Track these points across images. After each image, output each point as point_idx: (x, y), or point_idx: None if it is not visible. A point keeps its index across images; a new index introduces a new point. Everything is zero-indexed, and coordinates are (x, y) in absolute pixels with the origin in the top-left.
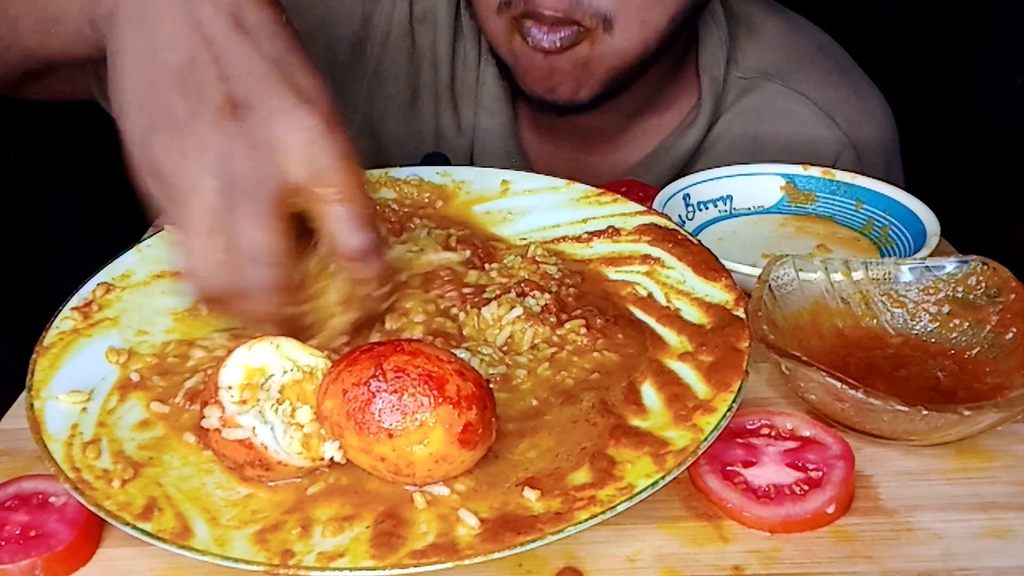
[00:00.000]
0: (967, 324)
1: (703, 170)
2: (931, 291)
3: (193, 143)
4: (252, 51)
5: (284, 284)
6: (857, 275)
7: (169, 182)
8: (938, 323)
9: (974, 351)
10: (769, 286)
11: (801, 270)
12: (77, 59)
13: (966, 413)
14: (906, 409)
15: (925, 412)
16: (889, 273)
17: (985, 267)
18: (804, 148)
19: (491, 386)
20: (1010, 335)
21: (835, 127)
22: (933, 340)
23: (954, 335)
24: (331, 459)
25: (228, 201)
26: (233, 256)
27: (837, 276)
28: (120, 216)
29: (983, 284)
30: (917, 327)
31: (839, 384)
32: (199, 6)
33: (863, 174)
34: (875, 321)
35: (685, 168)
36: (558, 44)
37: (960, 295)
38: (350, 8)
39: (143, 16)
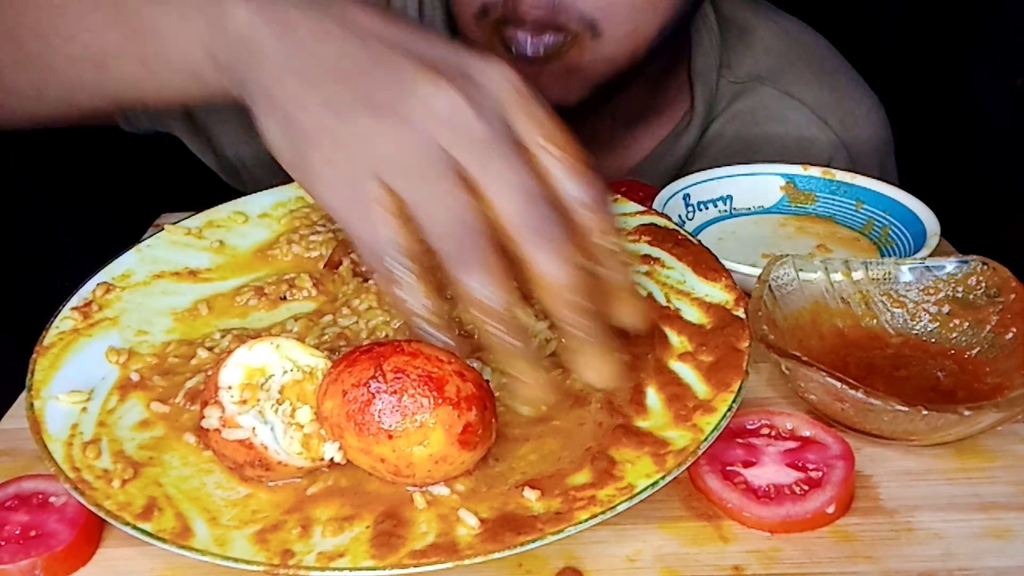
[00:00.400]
0: (967, 324)
1: (702, 171)
2: (931, 291)
3: (413, 112)
4: (422, 33)
5: (560, 222)
6: (857, 275)
7: (390, 168)
8: (938, 323)
9: (974, 351)
10: (769, 286)
11: (801, 270)
12: (175, 101)
13: (966, 413)
14: (906, 409)
15: (925, 412)
16: (889, 273)
17: (985, 267)
18: (797, 150)
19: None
20: (1010, 335)
21: (828, 129)
22: (933, 340)
23: (954, 335)
24: (331, 460)
25: (466, 158)
26: (495, 197)
27: (837, 276)
28: (120, 217)
29: (983, 284)
30: (917, 327)
31: (839, 384)
32: (350, 10)
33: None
34: (875, 321)
35: (679, 173)
36: (542, 51)
37: (960, 295)
38: None
39: (288, 36)
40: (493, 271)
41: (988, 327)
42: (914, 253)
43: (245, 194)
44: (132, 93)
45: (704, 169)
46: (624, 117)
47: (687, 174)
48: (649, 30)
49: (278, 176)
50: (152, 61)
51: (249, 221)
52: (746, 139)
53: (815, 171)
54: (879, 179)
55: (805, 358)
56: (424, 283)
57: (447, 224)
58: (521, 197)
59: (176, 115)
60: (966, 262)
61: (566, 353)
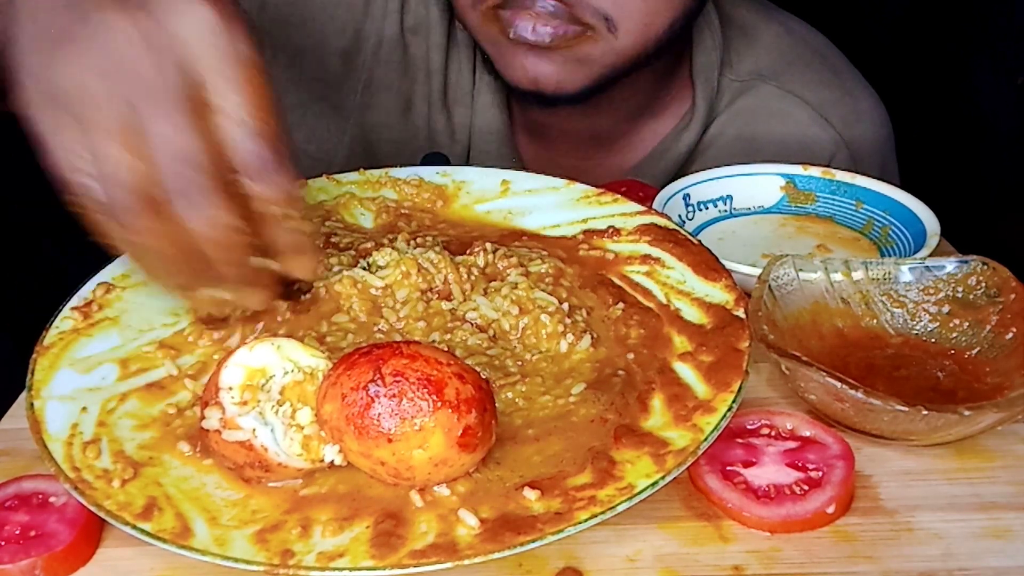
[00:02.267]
0: (967, 324)
1: (702, 170)
2: (931, 291)
3: (89, 45)
4: None
5: (212, 187)
6: (857, 275)
7: (69, 100)
8: (938, 323)
9: (974, 351)
10: (769, 286)
11: (801, 270)
12: None
13: (966, 413)
14: (906, 409)
15: (925, 412)
16: (889, 273)
17: (985, 267)
18: (798, 148)
19: (514, 398)
20: (1010, 335)
21: (829, 127)
22: (933, 340)
23: (954, 335)
24: (331, 462)
25: (137, 101)
26: (154, 156)
27: (837, 276)
28: None
29: (983, 284)
30: (917, 327)
31: (839, 384)
32: None
33: (860, 174)
34: (875, 321)
35: (680, 171)
36: (548, 40)
37: (960, 295)
38: (341, 22)
39: None
40: (145, 221)
41: (988, 327)
42: (914, 253)
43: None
44: None
45: (706, 167)
46: (626, 115)
47: (688, 172)
48: (661, 25)
49: None
50: None
51: None
52: (748, 137)
53: (815, 171)
54: (880, 178)
55: (805, 358)
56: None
57: (112, 177)
58: (170, 155)
59: None
60: (966, 262)
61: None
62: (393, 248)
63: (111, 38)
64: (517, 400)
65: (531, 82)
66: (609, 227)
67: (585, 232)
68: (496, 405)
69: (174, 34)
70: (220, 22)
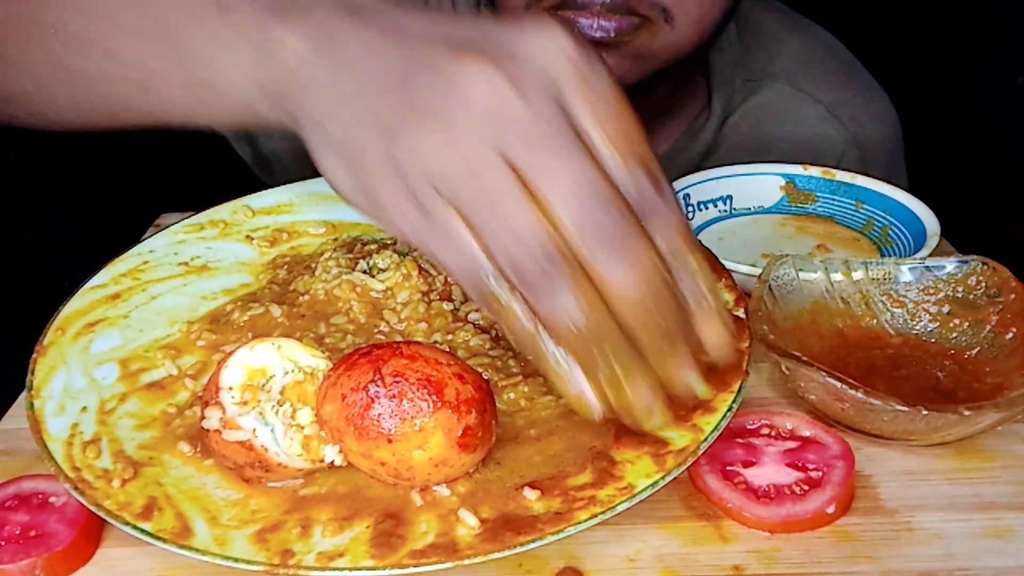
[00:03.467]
0: (967, 324)
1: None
2: (931, 291)
3: (457, 110)
4: (464, 20)
5: (636, 230)
6: (857, 275)
7: (448, 184)
8: (938, 323)
9: (974, 351)
10: (769, 286)
11: (801, 270)
12: (223, 127)
13: (966, 413)
14: (906, 409)
15: (925, 412)
16: (889, 273)
17: (985, 267)
18: (809, 147)
19: (516, 399)
20: (1010, 335)
21: (840, 126)
22: (933, 340)
23: (954, 335)
24: (331, 462)
25: (519, 154)
26: (555, 211)
27: (837, 276)
28: (120, 215)
29: (983, 284)
30: (917, 327)
31: (839, 384)
32: (391, 16)
33: (866, 173)
34: (875, 321)
35: (695, 170)
36: (613, 34)
37: (960, 295)
38: None
39: (336, 60)
40: (574, 292)
41: (988, 327)
42: (914, 253)
43: (256, 190)
44: (178, 116)
45: (719, 165)
46: (646, 116)
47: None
48: (715, 17)
49: (310, 172)
50: (199, 89)
51: (254, 216)
52: (759, 136)
53: (815, 171)
54: (888, 178)
55: (805, 358)
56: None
57: (515, 252)
58: (580, 200)
59: None
60: (966, 262)
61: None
62: (394, 251)
63: (472, 91)
64: (519, 401)
65: None
66: None
67: None
68: (498, 405)
69: (542, 69)
70: (576, 44)
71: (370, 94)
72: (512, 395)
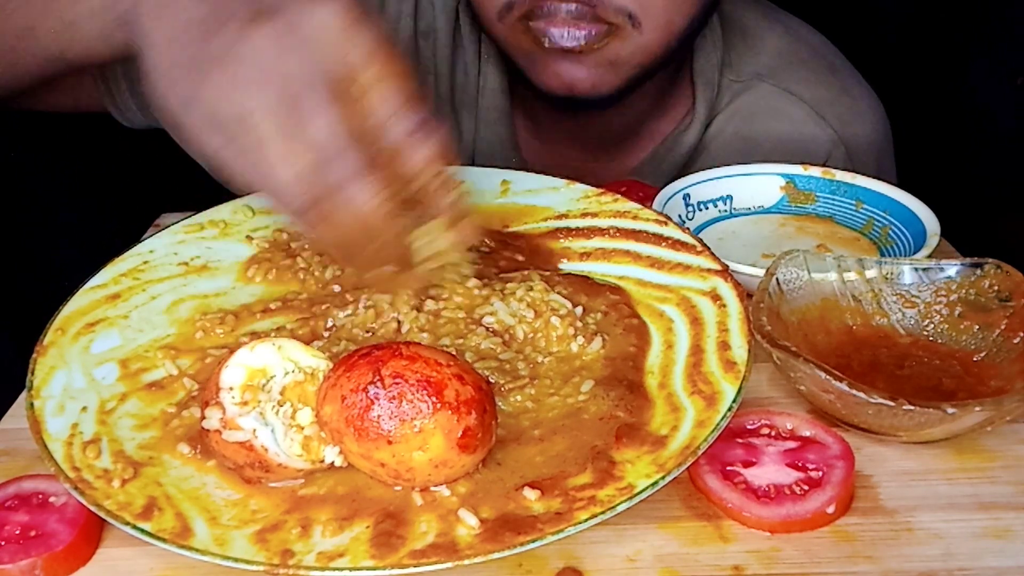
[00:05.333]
0: (977, 327)
1: (702, 170)
2: (943, 292)
3: (236, 65)
4: None
5: (372, 163)
6: (870, 273)
7: (228, 119)
8: (948, 325)
9: (981, 355)
10: (777, 280)
11: (812, 267)
12: (97, 61)
13: (950, 411)
14: (888, 403)
15: (908, 407)
16: (902, 273)
17: (998, 270)
18: (795, 147)
19: (523, 401)
20: (1018, 339)
21: (825, 125)
22: (942, 342)
23: (963, 337)
24: (331, 463)
25: (290, 104)
26: (314, 154)
27: (850, 275)
28: (120, 215)
29: (995, 287)
30: (928, 328)
31: (823, 375)
32: None
33: (855, 172)
34: (886, 320)
35: (681, 172)
36: (583, 42)
37: (972, 297)
38: None
39: None
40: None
41: (998, 331)
42: (914, 253)
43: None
44: (61, 55)
45: (705, 166)
46: (633, 117)
47: (688, 172)
48: (683, 21)
49: None
50: (68, 23)
51: (255, 216)
52: (745, 136)
53: (815, 171)
54: (876, 176)
55: (794, 348)
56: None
57: (282, 187)
58: (330, 150)
59: None
60: (980, 265)
61: None
62: None
63: (255, 51)
64: (526, 403)
65: (566, 88)
66: (611, 227)
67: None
68: (502, 407)
69: (309, 34)
70: (347, 16)
71: (186, 30)
72: (519, 397)
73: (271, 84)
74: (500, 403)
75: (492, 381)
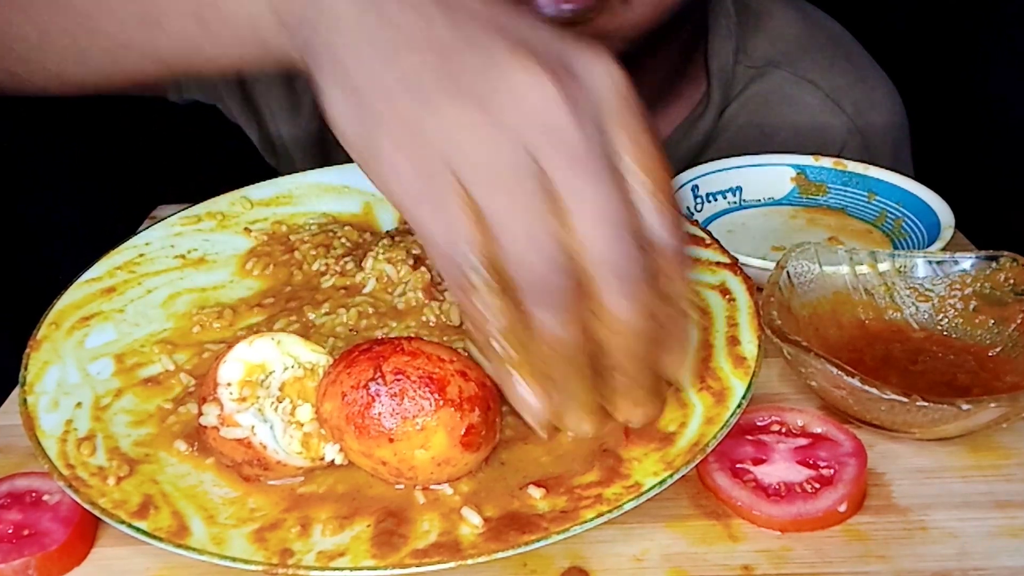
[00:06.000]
0: (992, 321)
1: (712, 160)
2: (958, 286)
3: (492, 100)
4: (520, 14)
5: (646, 266)
6: (883, 266)
7: (462, 162)
8: (963, 319)
9: (996, 349)
10: (787, 273)
11: (824, 260)
12: (232, 66)
13: (964, 407)
14: (900, 399)
15: (921, 403)
16: (916, 266)
17: (1015, 263)
18: (811, 135)
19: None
20: None
21: (842, 114)
22: (956, 336)
23: (979, 332)
24: (331, 461)
25: (552, 164)
26: (576, 227)
27: (863, 268)
28: (117, 211)
29: (1011, 281)
30: (942, 322)
31: (835, 370)
32: None
33: (871, 162)
34: (899, 314)
35: (694, 160)
36: (568, 14)
37: (987, 291)
38: None
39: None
40: (571, 312)
41: (1013, 325)
42: (928, 246)
43: (258, 180)
44: (185, 55)
45: (718, 155)
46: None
47: (701, 160)
48: None
49: (313, 161)
50: (211, 19)
51: (253, 208)
52: (759, 124)
53: (827, 162)
54: (893, 166)
55: (805, 343)
56: (501, 297)
57: (528, 251)
58: (608, 230)
59: (230, 84)
60: (996, 258)
61: (608, 389)
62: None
63: (525, 91)
64: None
65: None
66: None
67: None
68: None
69: (593, 91)
70: (626, 79)
71: (401, 44)
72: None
73: (537, 134)
74: None
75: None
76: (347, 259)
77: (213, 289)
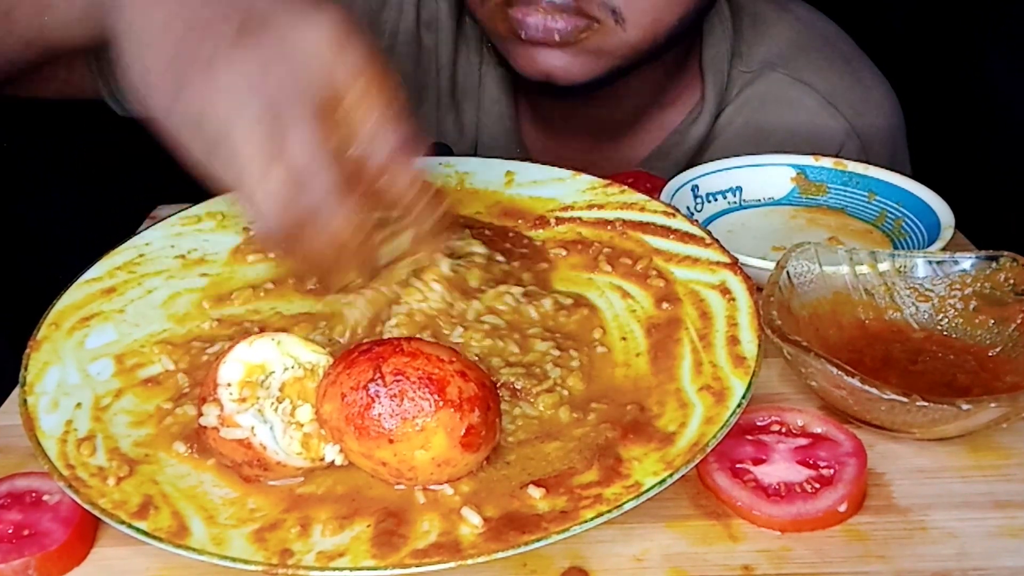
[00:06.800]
0: (992, 321)
1: (710, 161)
2: (958, 286)
3: (221, 74)
4: None
5: (349, 187)
6: (883, 266)
7: (210, 128)
8: (963, 319)
9: (996, 349)
10: (787, 273)
11: (824, 260)
12: (74, 47)
13: (964, 407)
14: (901, 399)
15: (921, 403)
16: (916, 266)
17: (1015, 263)
18: (807, 137)
19: (535, 404)
20: None
21: (838, 116)
22: (956, 336)
23: (979, 332)
24: (331, 461)
25: (272, 121)
26: (292, 175)
27: (863, 268)
28: (115, 210)
29: (1011, 281)
30: (942, 322)
31: (835, 371)
32: None
33: (869, 163)
34: (899, 314)
35: (690, 164)
36: (557, 37)
37: (987, 291)
38: (359, 11)
39: None
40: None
41: (1013, 325)
42: (928, 246)
43: None
44: (37, 38)
45: (715, 157)
46: (634, 106)
47: (698, 163)
48: (670, 20)
49: None
50: (41, 8)
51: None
52: (757, 126)
53: (827, 162)
54: (890, 167)
55: (805, 343)
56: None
57: (258, 197)
58: (309, 166)
59: None
60: (995, 258)
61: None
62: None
63: (242, 62)
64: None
65: (542, 74)
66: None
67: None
68: (528, 412)
69: (297, 49)
70: (337, 31)
71: (169, 27)
72: (546, 402)
73: (254, 98)
74: (527, 408)
75: (519, 387)
76: None
77: (213, 289)
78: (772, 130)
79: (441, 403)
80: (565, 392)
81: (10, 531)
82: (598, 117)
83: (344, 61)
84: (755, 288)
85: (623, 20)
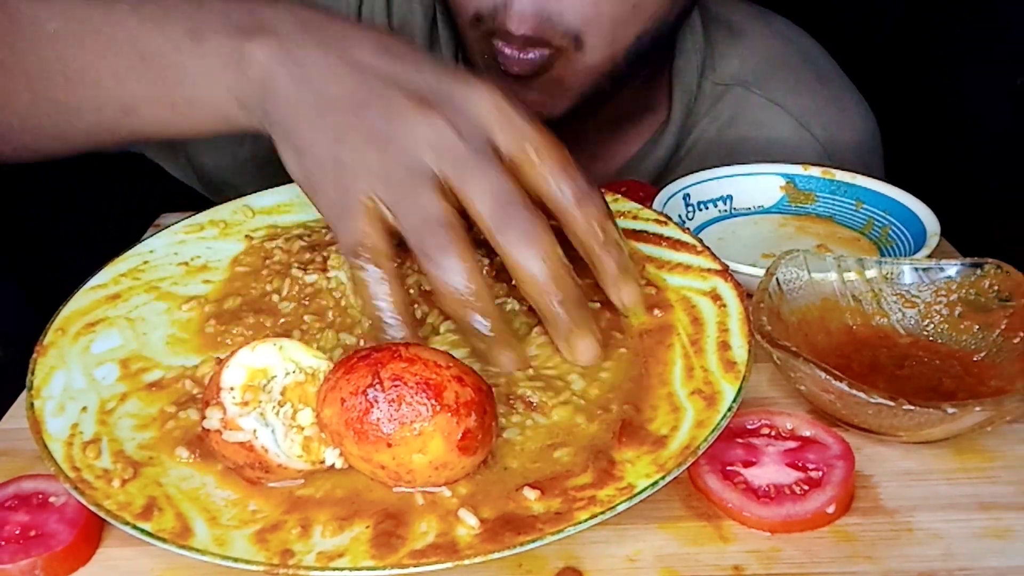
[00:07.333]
0: (977, 327)
1: (676, 179)
2: (943, 293)
3: (403, 139)
4: (414, 63)
5: (543, 224)
6: (871, 273)
7: (397, 200)
8: (948, 325)
9: (981, 354)
10: (777, 280)
11: (812, 267)
12: (200, 137)
13: (950, 411)
14: (888, 403)
15: (908, 407)
16: (903, 273)
17: (999, 270)
18: (778, 156)
19: (536, 415)
20: (1018, 339)
21: (810, 136)
22: (941, 341)
23: (964, 337)
24: (331, 465)
25: (451, 171)
26: (472, 204)
27: (850, 275)
28: (122, 216)
29: (995, 287)
30: (928, 328)
31: (823, 375)
32: (352, 48)
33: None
34: (886, 320)
35: (659, 177)
36: (528, 70)
37: (972, 297)
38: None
39: (300, 76)
40: (462, 259)
41: (997, 331)
42: (914, 253)
43: (256, 191)
44: (161, 134)
45: (684, 173)
46: (607, 122)
47: (670, 178)
48: (627, 39)
49: (258, 184)
50: (180, 105)
51: (255, 216)
52: (728, 143)
53: (815, 171)
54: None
55: (794, 348)
56: (391, 279)
57: (420, 222)
58: (494, 199)
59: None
60: (980, 265)
61: (553, 336)
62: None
63: (418, 127)
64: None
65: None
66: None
67: None
68: (541, 421)
69: (474, 114)
70: (505, 99)
71: (326, 108)
72: (562, 414)
73: (438, 155)
74: (542, 419)
75: (534, 401)
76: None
77: (216, 294)
78: (744, 147)
79: (438, 408)
80: (581, 401)
81: (17, 532)
82: (570, 134)
83: (516, 121)
84: (745, 294)
85: (582, 44)
